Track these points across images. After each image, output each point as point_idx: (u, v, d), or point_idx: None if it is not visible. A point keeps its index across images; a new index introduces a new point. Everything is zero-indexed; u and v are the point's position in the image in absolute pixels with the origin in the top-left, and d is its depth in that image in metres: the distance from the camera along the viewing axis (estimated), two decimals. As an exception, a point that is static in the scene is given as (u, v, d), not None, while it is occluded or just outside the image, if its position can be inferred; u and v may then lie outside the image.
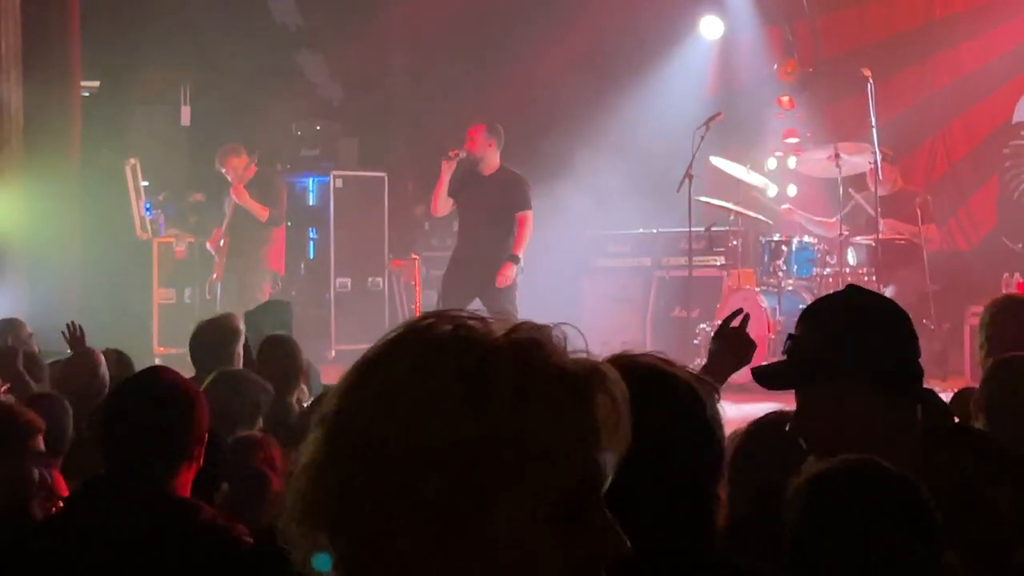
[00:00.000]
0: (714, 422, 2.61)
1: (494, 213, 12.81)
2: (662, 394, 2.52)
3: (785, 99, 15.49)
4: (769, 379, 3.70)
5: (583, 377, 1.61)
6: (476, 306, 12.81)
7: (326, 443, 1.59)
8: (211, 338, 7.90)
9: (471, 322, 1.62)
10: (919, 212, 12.62)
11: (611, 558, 1.62)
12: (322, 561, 1.58)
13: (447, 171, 12.86)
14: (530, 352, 1.59)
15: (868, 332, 3.55)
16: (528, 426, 1.55)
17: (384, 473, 1.54)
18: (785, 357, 3.64)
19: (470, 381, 1.55)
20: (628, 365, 2.41)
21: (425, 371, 1.56)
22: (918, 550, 2.86)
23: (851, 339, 3.53)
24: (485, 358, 1.57)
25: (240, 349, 7.94)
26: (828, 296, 3.92)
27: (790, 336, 3.64)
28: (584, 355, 1.65)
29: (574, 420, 1.58)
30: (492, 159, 12.91)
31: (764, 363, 12.52)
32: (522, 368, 1.57)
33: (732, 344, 4.61)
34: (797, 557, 2.95)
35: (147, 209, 15.46)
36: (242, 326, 8.16)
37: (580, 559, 1.59)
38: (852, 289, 3.81)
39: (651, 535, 2.26)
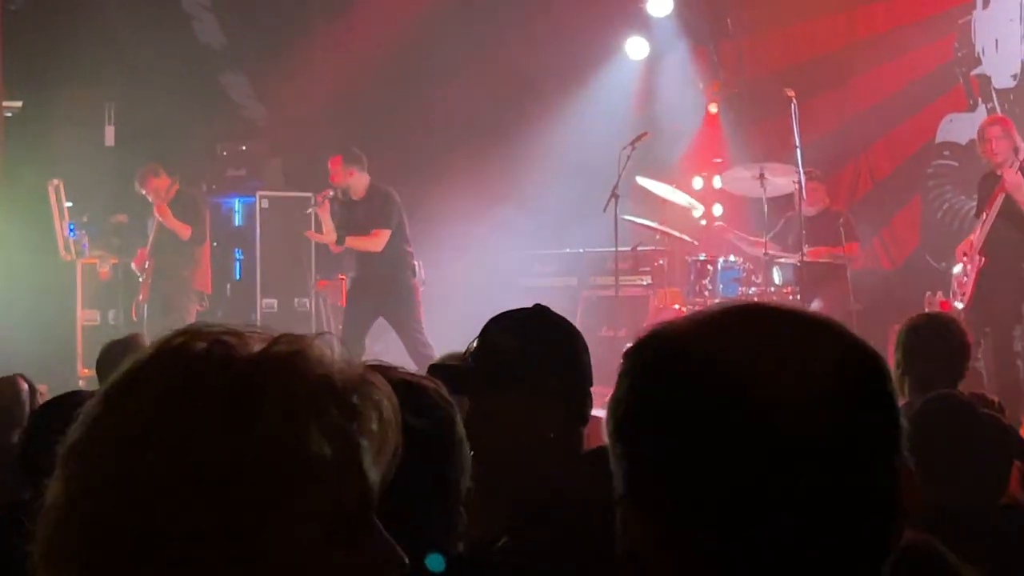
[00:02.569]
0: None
1: (366, 232, 13.07)
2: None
3: (713, 108, 15.64)
4: (458, 380, 3.49)
5: (349, 388, 1.54)
6: (380, 324, 12.98)
7: (71, 480, 1.48)
8: (119, 358, 7.81)
9: (227, 338, 1.53)
10: (842, 231, 12.72)
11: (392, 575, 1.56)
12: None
13: (323, 214, 13.07)
14: (292, 365, 1.51)
15: (569, 351, 3.66)
16: (293, 442, 1.46)
17: (141, 508, 1.43)
18: (471, 360, 3.63)
19: (228, 400, 1.46)
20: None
21: (180, 393, 1.47)
22: None
23: (551, 354, 3.60)
24: (243, 375, 1.48)
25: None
26: (519, 310, 3.90)
27: (482, 340, 3.66)
28: (348, 364, 1.57)
29: (342, 433, 1.51)
30: (359, 184, 13.09)
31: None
32: (284, 383, 1.49)
33: None
34: None
35: (71, 230, 15.33)
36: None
37: None
38: (540, 307, 3.84)
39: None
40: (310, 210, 13.65)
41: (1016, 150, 11.68)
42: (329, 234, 13.14)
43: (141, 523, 1.42)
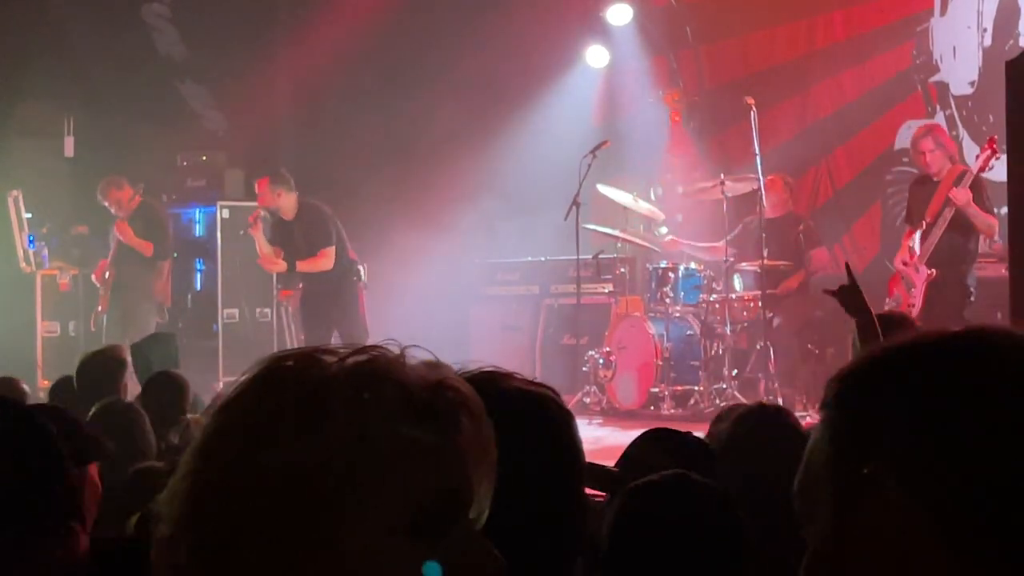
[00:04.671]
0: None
1: (310, 252, 13.30)
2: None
3: (674, 117, 15.72)
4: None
5: (427, 391, 1.61)
6: (337, 336, 13.12)
7: (193, 477, 1.61)
8: (97, 370, 7.81)
9: (317, 354, 1.64)
10: (802, 238, 12.78)
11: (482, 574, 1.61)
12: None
13: (256, 235, 13.39)
14: (365, 374, 1.60)
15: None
16: (366, 445, 1.56)
17: (234, 502, 1.56)
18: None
19: (304, 407, 1.57)
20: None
21: (265, 402, 1.59)
22: (726, 563, 2.84)
23: None
24: (321, 384, 1.59)
25: (127, 381, 7.87)
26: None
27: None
28: (427, 369, 1.65)
29: (416, 435, 1.58)
30: (287, 204, 13.34)
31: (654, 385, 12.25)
32: (358, 389, 1.58)
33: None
34: (607, 572, 2.90)
35: (30, 241, 15.27)
36: (128, 357, 8.08)
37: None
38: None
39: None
40: (243, 232, 13.77)
41: (951, 158, 11.78)
42: (266, 253, 13.37)
43: (239, 522, 1.56)
